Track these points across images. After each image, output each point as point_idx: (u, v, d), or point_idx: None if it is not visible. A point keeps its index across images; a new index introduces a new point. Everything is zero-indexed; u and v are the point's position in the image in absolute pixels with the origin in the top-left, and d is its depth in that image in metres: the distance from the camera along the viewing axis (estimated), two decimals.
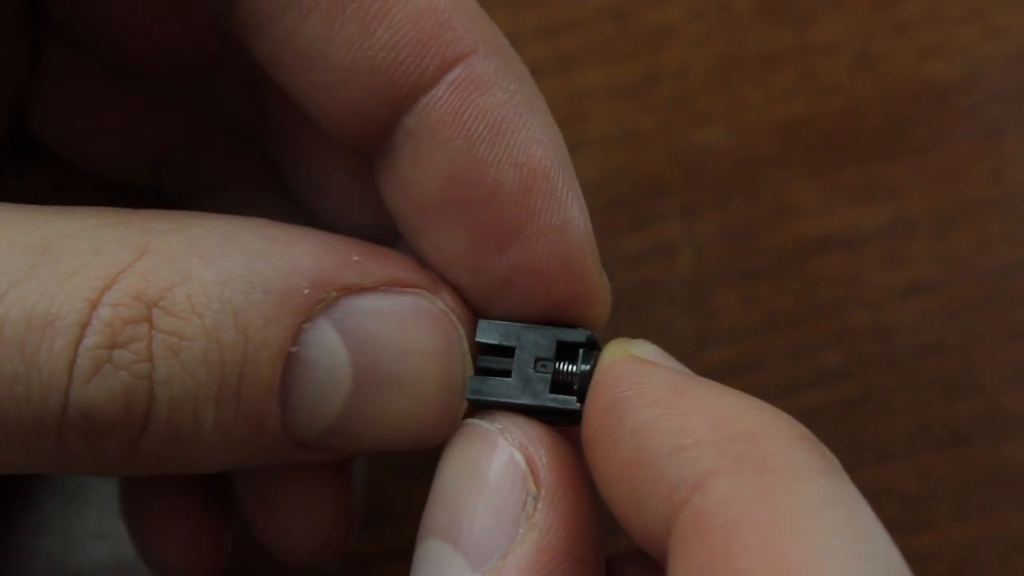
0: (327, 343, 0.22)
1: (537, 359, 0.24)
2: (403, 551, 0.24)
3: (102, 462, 0.21)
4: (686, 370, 0.23)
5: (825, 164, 0.40)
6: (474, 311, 0.24)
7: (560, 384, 0.24)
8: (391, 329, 0.23)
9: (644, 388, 0.21)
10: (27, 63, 0.28)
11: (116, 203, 0.23)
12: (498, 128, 0.23)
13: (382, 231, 0.26)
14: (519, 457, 0.23)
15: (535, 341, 0.24)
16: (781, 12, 0.42)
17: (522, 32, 0.41)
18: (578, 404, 0.24)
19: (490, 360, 0.24)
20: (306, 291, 0.22)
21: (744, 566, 0.18)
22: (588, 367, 0.24)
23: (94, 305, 0.20)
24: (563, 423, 0.24)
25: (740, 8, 0.42)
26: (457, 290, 0.24)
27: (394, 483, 0.37)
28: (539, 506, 0.22)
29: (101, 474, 0.22)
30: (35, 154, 0.30)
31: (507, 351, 0.24)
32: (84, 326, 0.20)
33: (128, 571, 0.36)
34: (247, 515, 0.30)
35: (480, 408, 0.24)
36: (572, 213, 0.23)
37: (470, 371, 0.24)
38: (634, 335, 0.31)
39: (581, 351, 0.24)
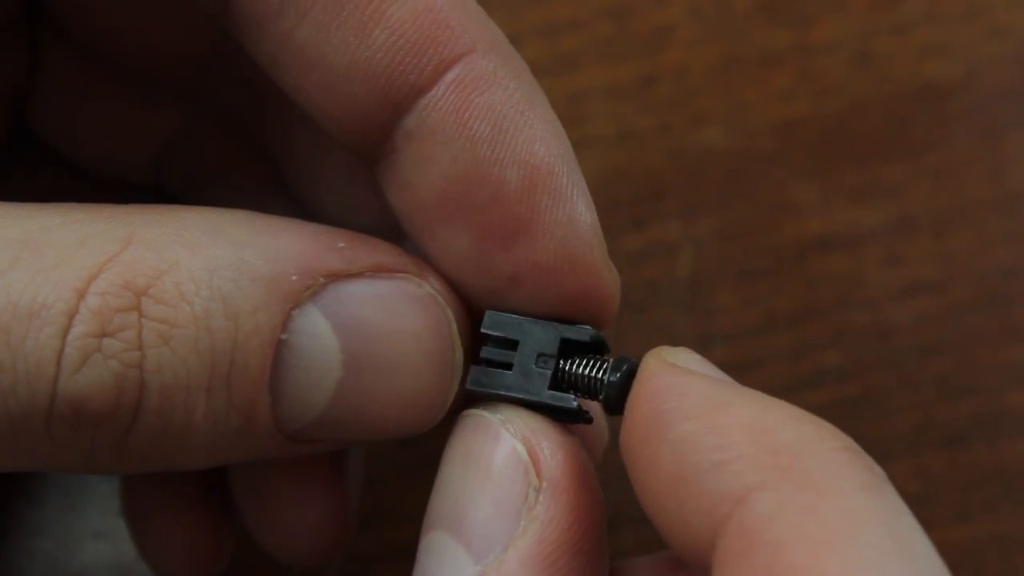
0: (316, 329, 0.22)
1: (539, 355, 0.24)
2: (403, 550, 0.24)
3: (92, 457, 0.21)
4: (728, 379, 0.23)
5: (825, 164, 0.40)
6: (484, 307, 0.24)
7: (560, 381, 0.24)
8: (379, 313, 0.23)
9: (683, 401, 0.21)
10: (26, 62, 0.28)
11: (117, 201, 0.22)
12: (499, 127, 0.23)
13: (385, 230, 0.26)
14: (521, 449, 0.23)
15: (539, 336, 0.24)
16: (781, 12, 0.42)
17: (522, 32, 0.41)
18: (575, 403, 0.24)
19: (495, 352, 0.24)
20: (294, 278, 0.22)
21: None
22: (617, 376, 0.23)
23: (81, 294, 0.20)
24: (560, 420, 0.24)
25: (740, 8, 0.42)
26: (465, 288, 0.24)
27: (394, 482, 0.37)
28: (541, 498, 0.22)
29: (91, 471, 0.22)
30: (36, 152, 0.30)
31: (513, 343, 0.24)
32: (72, 315, 0.20)
33: (128, 571, 0.36)
34: (242, 515, 0.30)
35: (479, 399, 0.24)
36: (578, 209, 0.23)
37: (460, 353, 0.24)
38: (634, 335, 0.31)
39: (612, 360, 0.24)
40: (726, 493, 0.19)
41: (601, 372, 0.24)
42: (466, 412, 0.24)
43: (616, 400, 0.24)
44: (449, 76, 0.23)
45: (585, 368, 0.24)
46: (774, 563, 0.18)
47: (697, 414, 0.21)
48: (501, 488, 0.22)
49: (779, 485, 0.19)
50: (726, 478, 0.20)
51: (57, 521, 0.37)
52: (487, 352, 0.24)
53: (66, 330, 0.20)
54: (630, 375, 0.23)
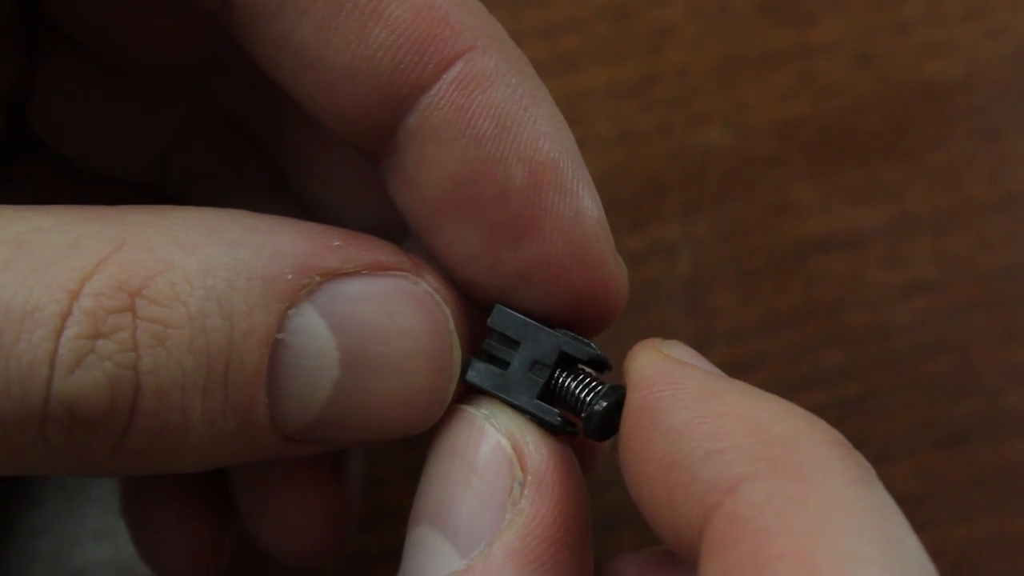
0: (312, 328, 0.22)
1: (535, 361, 0.24)
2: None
3: (87, 460, 0.21)
4: (718, 371, 0.23)
5: (825, 164, 0.40)
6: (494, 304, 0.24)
7: (550, 392, 0.24)
8: (376, 312, 0.22)
9: (679, 389, 0.21)
10: (25, 62, 0.28)
11: (118, 201, 0.22)
12: (503, 124, 0.23)
13: (390, 228, 0.26)
14: (505, 443, 0.23)
15: (541, 343, 0.24)
16: (781, 12, 0.42)
17: (522, 32, 0.41)
18: (559, 419, 0.23)
19: (496, 347, 0.24)
20: (289, 277, 0.21)
21: (776, 572, 0.18)
22: (603, 406, 0.23)
23: (75, 296, 0.20)
24: (544, 429, 0.24)
25: (740, 8, 0.42)
26: (475, 286, 0.24)
27: (395, 482, 0.37)
28: (525, 492, 0.22)
29: (86, 474, 0.22)
30: (36, 153, 0.30)
31: (515, 343, 0.24)
32: (65, 317, 0.20)
33: (128, 571, 0.36)
34: (244, 517, 0.30)
35: (473, 392, 0.24)
36: (584, 204, 0.23)
37: (458, 352, 0.24)
38: (634, 335, 0.31)
39: (605, 386, 0.24)
40: (717, 482, 0.20)
41: (590, 395, 0.24)
42: (452, 407, 0.24)
43: (597, 427, 0.23)
44: (450, 74, 0.22)
45: (577, 386, 0.24)
46: (762, 551, 0.18)
47: (692, 403, 0.21)
48: (485, 482, 0.22)
49: (770, 476, 0.19)
50: (718, 467, 0.20)
51: (57, 521, 0.37)
52: (489, 346, 0.24)
53: (59, 332, 0.20)
54: (617, 406, 0.23)
